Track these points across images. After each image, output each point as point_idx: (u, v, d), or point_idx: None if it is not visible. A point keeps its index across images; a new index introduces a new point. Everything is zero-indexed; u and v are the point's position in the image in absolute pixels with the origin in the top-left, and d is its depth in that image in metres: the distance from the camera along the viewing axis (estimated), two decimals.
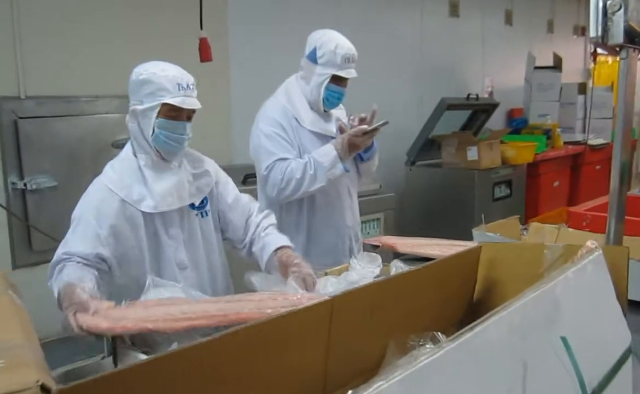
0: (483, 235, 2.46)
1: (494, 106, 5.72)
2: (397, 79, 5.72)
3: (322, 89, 2.37)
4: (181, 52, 3.38)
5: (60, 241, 1.89)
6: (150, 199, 1.82)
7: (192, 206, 1.92)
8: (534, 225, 2.78)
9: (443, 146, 5.24)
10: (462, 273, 1.32)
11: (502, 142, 5.37)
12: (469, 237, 2.57)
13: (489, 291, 1.39)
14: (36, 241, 3.61)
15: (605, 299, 1.08)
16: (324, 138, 2.44)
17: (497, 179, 5.26)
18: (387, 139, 5.79)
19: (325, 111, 2.47)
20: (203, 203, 1.94)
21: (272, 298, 1.37)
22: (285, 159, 2.35)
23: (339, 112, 2.58)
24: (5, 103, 3.50)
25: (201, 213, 1.93)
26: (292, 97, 2.44)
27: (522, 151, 5.42)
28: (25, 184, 3.55)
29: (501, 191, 5.33)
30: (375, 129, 2.34)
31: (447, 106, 5.09)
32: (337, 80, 2.38)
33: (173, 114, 1.81)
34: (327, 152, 2.34)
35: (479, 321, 0.78)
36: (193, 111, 1.87)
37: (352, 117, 2.41)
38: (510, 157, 5.34)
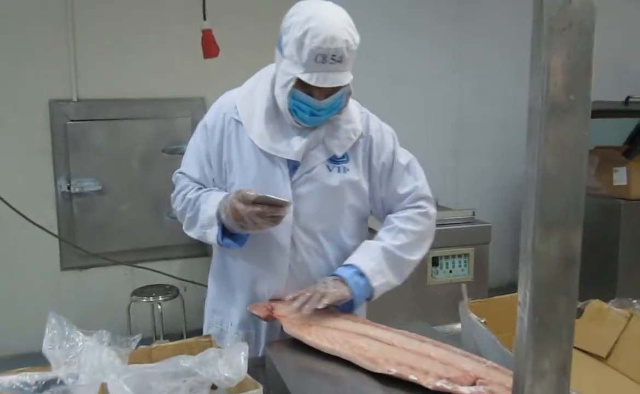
0: (467, 317, 1.57)
1: None
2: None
3: (287, 96, 1.50)
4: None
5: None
6: None
7: None
8: (594, 305, 1.75)
9: None
10: None
11: None
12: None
13: None
14: (82, 244, 3.57)
15: None
16: (273, 160, 1.58)
17: None
18: (502, 152, 4.71)
19: (302, 126, 1.57)
20: None
21: None
22: (186, 175, 1.69)
23: (348, 127, 1.64)
24: (57, 106, 3.52)
25: None
26: (257, 90, 1.64)
27: None
28: (69, 187, 3.53)
29: None
30: (272, 205, 1.45)
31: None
32: (306, 86, 1.47)
33: None
34: (213, 203, 1.56)
35: None
36: None
37: None
38: None
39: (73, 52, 3.52)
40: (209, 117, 1.68)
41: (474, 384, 1.14)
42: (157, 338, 3.33)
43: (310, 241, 1.62)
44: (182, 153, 3.95)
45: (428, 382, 1.14)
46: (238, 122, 1.62)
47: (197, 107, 3.76)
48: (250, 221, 1.46)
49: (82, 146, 3.55)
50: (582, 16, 0.71)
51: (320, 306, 1.44)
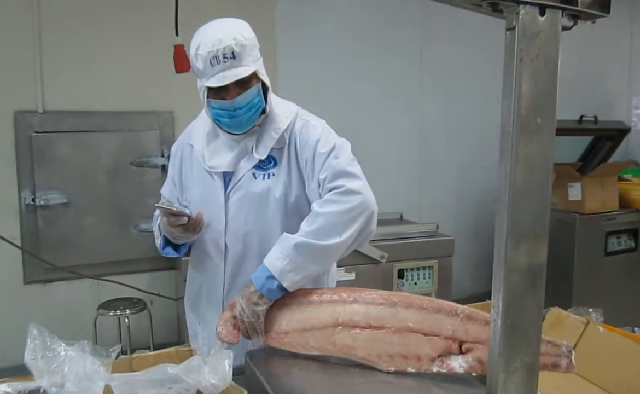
0: None
1: (622, 132, 4.44)
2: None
3: (208, 109, 1.65)
4: None
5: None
6: None
7: None
8: (553, 312, 1.85)
9: None
10: None
11: (622, 179, 4.12)
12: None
13: None
14: (47, 257, 3.51)
15: None
16: (212, 176, 1.74)
17: (613, 227, 4.03)
18: (465, 167, 4.89)
19: (235, 134, 1.67)
20: None
21: None
22: (162, 196, 1.91)
23: (270, 127, 1.70)
24: (22, 117, 3.47)
25: None
26: (204, 116, 1.77)
27: None
28: (34, 199, 3.47)
29: (620, 243, 4.08)
30: (172, 215, 1.62)
31: None
32: (216, 92, 1.60)
33: None
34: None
35: None
36: None
37: None
38: (636, 199, 4.08)
39: (39, 62, 3.47)
40: (174, 145, 1.89)
41: (460, 349, 1.25)
42: (124, 352, 3.29)
43: (242, 246, 1.72)
44: (150, 166, 3.96)
45: (425, 369, 1.26)
46: (192, 146, 1.80)
47: (166, 121, 3.76)
48: (169, 231, 1.66)
49: (47, 158, 3.49)
50: (549, 48, 0.79)
51: (259, 340, 1.48)
